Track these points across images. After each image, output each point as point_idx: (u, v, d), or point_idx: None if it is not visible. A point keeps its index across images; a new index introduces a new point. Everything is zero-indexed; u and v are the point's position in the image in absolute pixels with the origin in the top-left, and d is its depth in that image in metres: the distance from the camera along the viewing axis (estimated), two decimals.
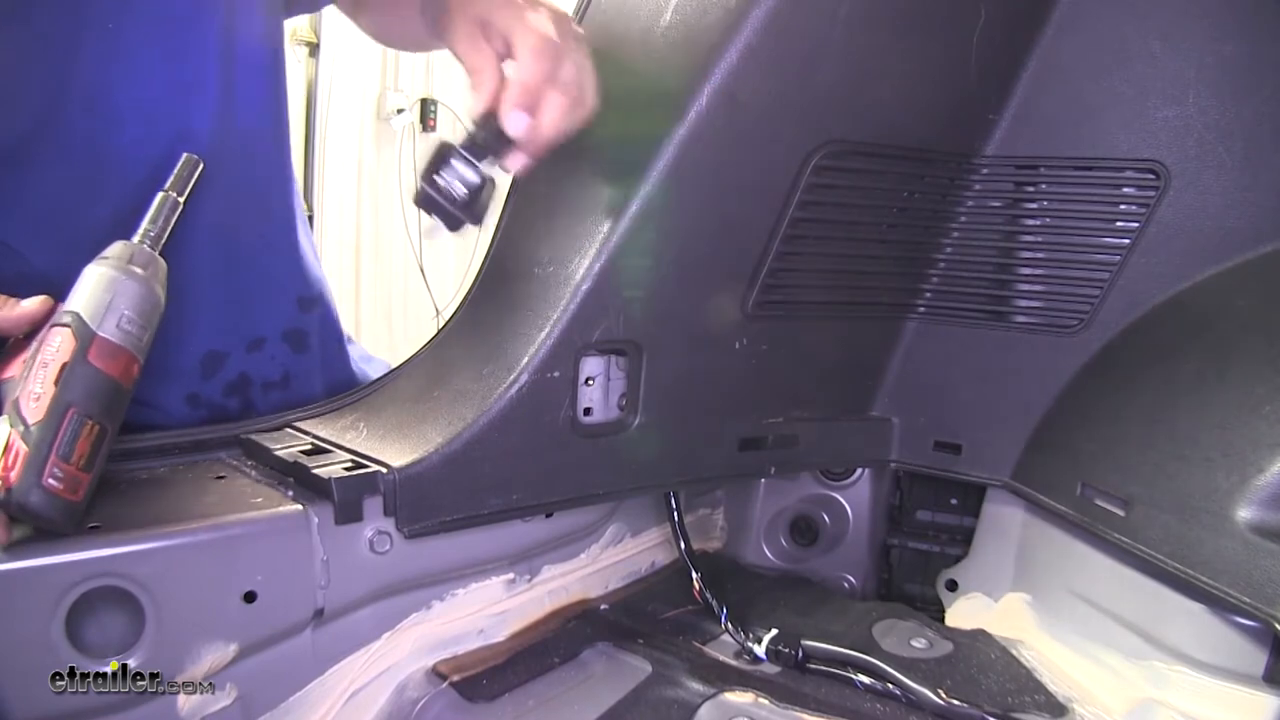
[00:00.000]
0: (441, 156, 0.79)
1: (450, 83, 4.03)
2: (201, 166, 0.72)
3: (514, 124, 0.77)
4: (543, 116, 0.77)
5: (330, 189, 3.63)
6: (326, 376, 1.12)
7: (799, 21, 0.85)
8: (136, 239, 0.69)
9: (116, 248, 0.67)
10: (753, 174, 0.93)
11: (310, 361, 1.09)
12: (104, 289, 0.65)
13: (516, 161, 0.81)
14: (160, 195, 0.70)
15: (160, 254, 0.69)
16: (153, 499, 0.79)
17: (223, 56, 0.90)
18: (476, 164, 0.79)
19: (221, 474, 0.86)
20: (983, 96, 1.01)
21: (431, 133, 3.98)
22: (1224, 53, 0.91)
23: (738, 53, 0.83)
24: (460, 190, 0.79)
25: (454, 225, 0.81)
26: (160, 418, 0.95)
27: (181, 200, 0.71)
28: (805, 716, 0.87)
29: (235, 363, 0.99)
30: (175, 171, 0.72)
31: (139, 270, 0.66)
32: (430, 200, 0.79)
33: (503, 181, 0.88)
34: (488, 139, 0.78)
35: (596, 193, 0.89)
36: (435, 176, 0.78)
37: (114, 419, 0.67)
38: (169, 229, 0.69)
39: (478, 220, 0.81)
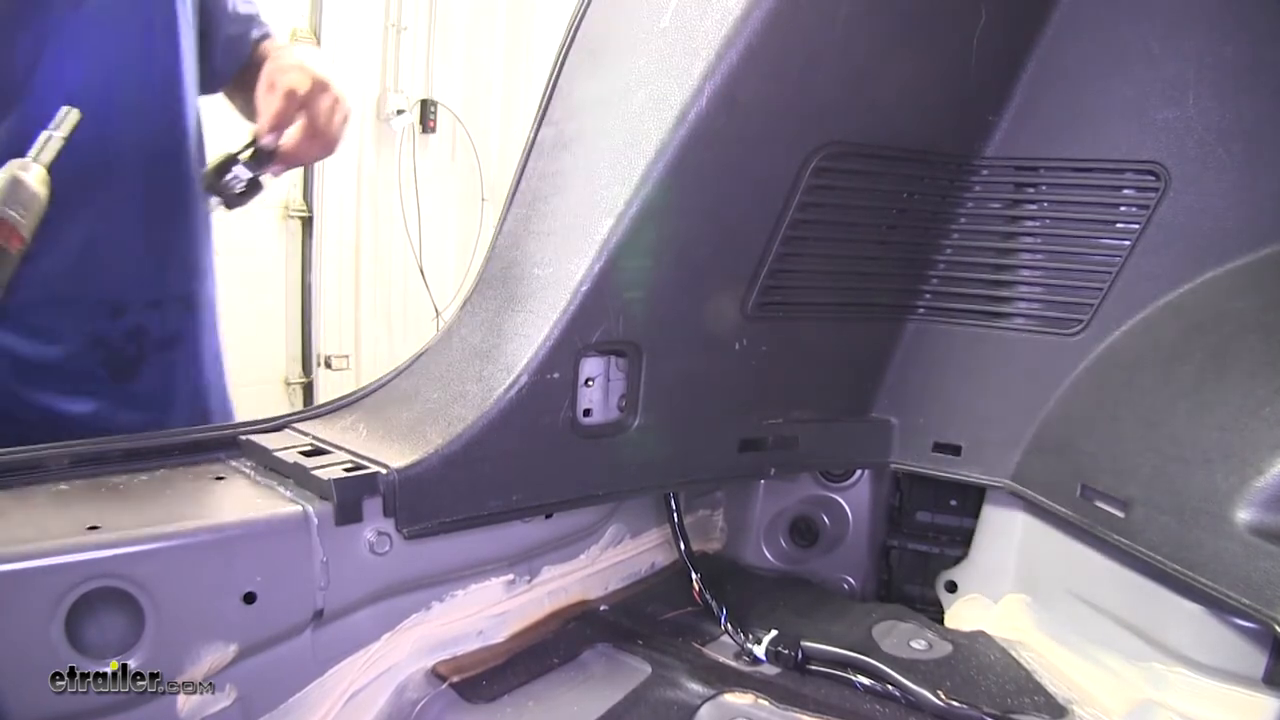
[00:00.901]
0: (228, 161, 1.15)
1: (449, 84, 4.03)
2: (78, 113, 0.96)
3: (263, 142, 1.15)
4: (284, 141, 1.17)
5: (330, 190, 3.63)
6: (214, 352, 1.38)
7: (799, 22, 0.85)
8: (27, 157, 0.93)
9: (10, 163, 0.91)
10: (752, 175, 0.93)
11: (202, 330, 1.34)
12: None
13: (276, 170, 1.19)
14: (43, 133, 0.95)
15: (48, 169, 0.94)
16: (153, 499, 0.79)
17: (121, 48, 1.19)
18: (250, 170, 1.16)
19: (221, 475, 0.86)
20: (983, 97, 1.01)
21: (431, 134, 3.98)
22: (1224, 54, 0.91)
23: (738, 54, 0.83)
24: (239, 186, 1.15)
25: (230, 208, 1.19)
26: (60, 353, 1.20)
27: (59, 135, 0.95)
28: (805, 717, 0.87)
29: (134, 315, 1.24)
30: (55, 119, 0.96)
31: (21, 173, 0.90)
32: (214, 190, 1.16)
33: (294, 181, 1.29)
34: (257, 153, 1.16)
35: (596, 193, 0.89)
36: (222, 174, 1.14)
37: None
38: (51, 152, 0.94)
39: (240, 206, 1.19)
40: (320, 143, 1.20)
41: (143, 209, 1.24)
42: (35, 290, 1.12)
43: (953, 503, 1.27)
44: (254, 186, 1.17)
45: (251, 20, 1.39)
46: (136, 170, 1.22)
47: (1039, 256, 1.04)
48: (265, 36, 1.39)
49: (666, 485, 1.04)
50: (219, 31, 1.34)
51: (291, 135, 1.17)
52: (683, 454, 1.02)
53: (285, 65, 1.19)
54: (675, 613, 1.10)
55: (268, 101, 1.16)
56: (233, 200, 1.17)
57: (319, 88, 1.18)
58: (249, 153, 1.16)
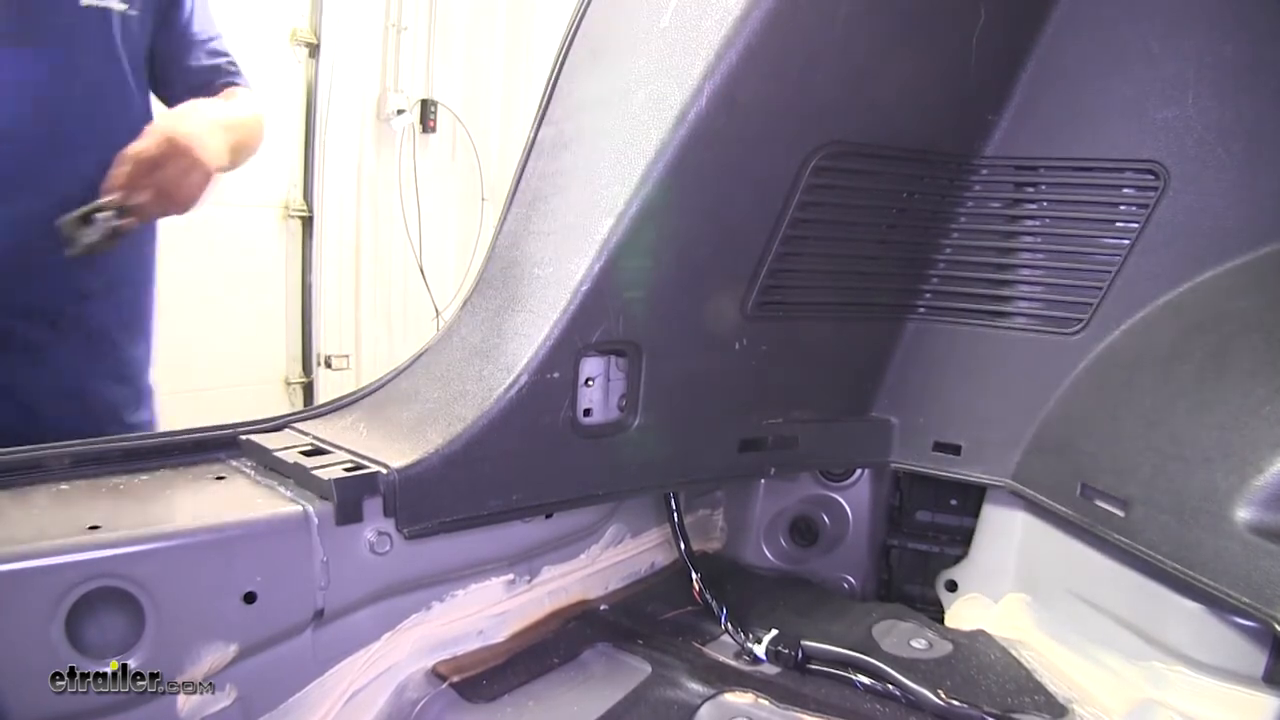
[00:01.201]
0: (90, 212, 1.25)
1: (449, 84, 4.03)
2: None
3: (108, 199, 1.25)
4: (135, 200, 1.26)
5: (330, 190, 3.63)
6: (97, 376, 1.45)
7: (799, 22, 0.85)
8: None
9: None
10: (752, 175, 0.93)
11: (76, 347, 1.42)
12: None
13: (128, 225, 1.28)
14: None
15: None
16: (153, 499, 0.79)
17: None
18: (114, 220, 1.26)
19: (221, 474, 0.86)
20: (983, 96, 1.01)
21: (432, 134, 3.97)
22: (1224, 53, 0.91)
23: (738, 54, 0.83)
24: (92, 237, 1.25)
25: (85, 254, 1.27)
26: None
27: None
28: (805, 717, 0.87)
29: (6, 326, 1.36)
30: None
31: None
32: (71, 238, 1.26)
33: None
34: (115, 209, 1.26)
35: (596, 193, 0.89)
36: (84, 225, 1.25)
37: None
38: None
39: (100, 251, 1.30)
40: (168, 203, 1.29)
41: (24, 231, 1.33)
42: None
43: (953, 502, 1.27)
44: (113, 235, 1.28)
45: (215, 70, 1.49)
46: (26, 194, 1.33)
47: (1039, 256, 1.04)
48: (230, 83, 1.50)
49: (666, 485, 1.04)
50: (181, 82, 1.47)
51: (140, 195, 1.27)
52: (683, 454, 1.02)
53: (151, 129, 1.29)
54: (675, 612, 1.10)
55: (118, 162, 1.28)
56: (89, 247, 1.28)
57: (170, 153, 1.26)
58: (111, 207, 1.29)
